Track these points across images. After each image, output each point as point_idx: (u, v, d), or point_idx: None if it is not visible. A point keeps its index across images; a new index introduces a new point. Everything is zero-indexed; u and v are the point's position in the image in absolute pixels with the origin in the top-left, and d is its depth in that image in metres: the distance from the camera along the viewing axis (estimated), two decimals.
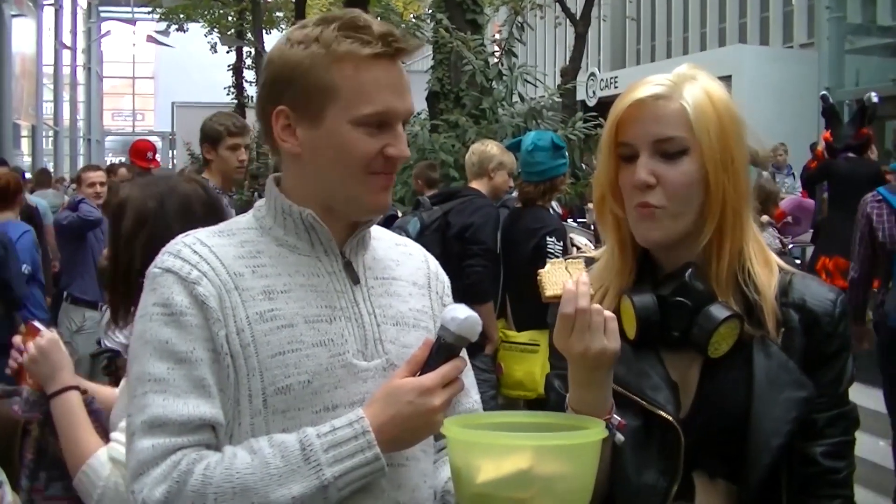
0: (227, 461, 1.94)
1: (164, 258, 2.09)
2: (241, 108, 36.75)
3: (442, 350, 2.03)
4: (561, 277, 2.04)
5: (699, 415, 2.13)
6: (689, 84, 2.13)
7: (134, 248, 2.91)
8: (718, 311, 2.07)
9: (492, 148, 7.26)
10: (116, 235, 3.00)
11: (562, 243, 6.54)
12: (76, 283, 8.95)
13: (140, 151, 10.94)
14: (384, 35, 2.07)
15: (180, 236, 2.15)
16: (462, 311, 2.02)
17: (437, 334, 2.06)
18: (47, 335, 2.95)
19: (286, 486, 1.92)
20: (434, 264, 2.43)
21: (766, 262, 2.19)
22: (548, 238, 6.50)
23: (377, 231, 2.32)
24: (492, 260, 6.74)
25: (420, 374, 2.03)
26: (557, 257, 6.43)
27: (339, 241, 2.18)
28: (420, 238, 6.62)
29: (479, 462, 1.82)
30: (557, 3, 27.28)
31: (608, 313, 2.00)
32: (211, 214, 2.93)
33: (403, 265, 2.33)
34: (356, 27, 2.07)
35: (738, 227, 2.14)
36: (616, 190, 2.19)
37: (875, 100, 10.46)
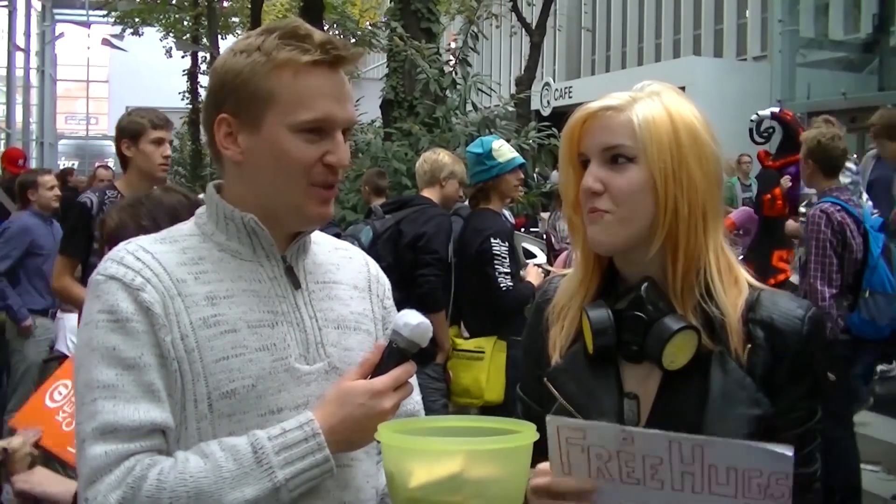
0: (180, 466, 1.94)
1: (108, 265, 2.09)
2: (195, 112, 36.63)
3: (393, 354, 2.08)
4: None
5: (655, 427, 2.08)
6: (647, 99, 2.17)
7: None
8: (672, 323, 2.08)
9: (443, 157, 7.25)
10: None
11: (507, 244, 6.50)
12: (25, 291, 8.86)
13: (12, 158, 12.36)
14: (324, 43, 2.10)
15: (122, 243, 2.16)
16: (414, 318, 2.06)
17: (388, 339, 2.11)
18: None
19: (239, 489, 1.94)
20: (374, 267, 2.47)
21: (734, 279, 2.19)
22: (492, 239, 6.45)
23: (317, 236, 2.34)
24: (444, 269, 6.75)
25: (371, 378, 2.07)
26: (503, 258, 6.26)
27: (281, 246, 2.20)
28: (372, 247, 6.61)
29: (412, 467, 1.83)
30: (513, 13, 27.38)
31: None
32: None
33: (344, 269, 2.36)
34: (297, 36, 2.10)
35: (693, 240, 2.14)
36: (577, 200, 2.22)
37: (767, 113, 10.68)
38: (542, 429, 1.90)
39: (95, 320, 2.03)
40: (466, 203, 7.42)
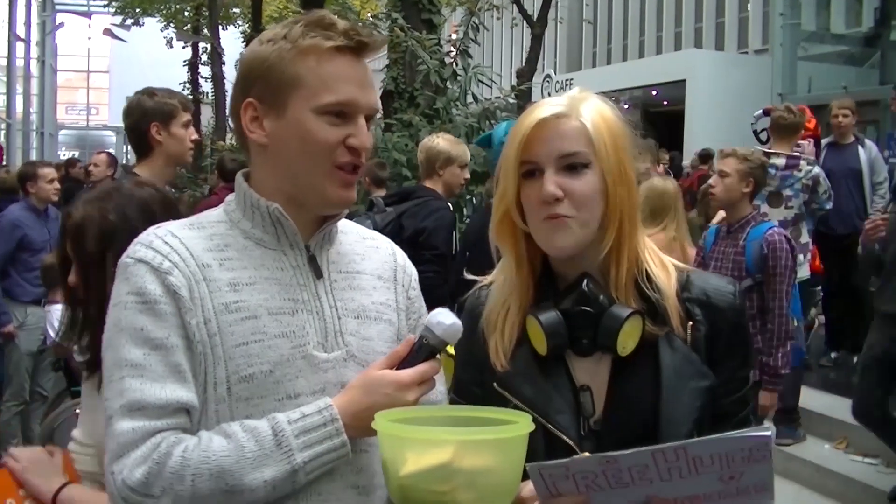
0: (203, 444, 2.02)
1: (137, 248, 2.16)
2: (196, 103, 36.59)
3: (423, 350, 2.14)
4: None
5: (614, 415, 2.22)
6: (584, 103, 2.25)
7: (105, 269, 2.73)
8: (621, 311, 2.18)
9: (438, 143, 7.08)
10: (84, 260, 2.84)
11: None
12: (16, 284, 8.84)
13: None
14: (347, 30, 2.17)
15: (152, 228, 2.23)
16: (448, 317, 2.13)
17: (420, 334, 2.17)
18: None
19: (259, 470, 2.02)
20: (401, 257, 2.52)
21: (661, 263, 2.31)
22: None
23: (344, 225, 2.39)
24: (444, 265, 6.66)
25: (397, 369, 2.13)
26: None
27: (306, 235, 2.26)
28: None
29: (405, 455, 1.86)
30: (514, 5, 27.33)
31: None
32: (170, 214, 2.86)
33: (369, 259, 2.41)
34: (322, 24, 2.17)
35: (634, 236, 2.25)
36: (519, 206, 2.27)
37: (759, 113, 10.70)
38: None
39: (124, 301, 2.10)
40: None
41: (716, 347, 2.26)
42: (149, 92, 5.25)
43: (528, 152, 2.23)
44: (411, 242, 6.57)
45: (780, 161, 7.92)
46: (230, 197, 2.32)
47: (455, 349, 2.41)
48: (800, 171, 7.90)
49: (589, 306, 2.20)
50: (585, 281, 2.23)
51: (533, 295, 2.31)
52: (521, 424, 1.90)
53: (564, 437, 2.17)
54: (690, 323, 2.25)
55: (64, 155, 41.37)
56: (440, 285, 6.61)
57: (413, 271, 2.53)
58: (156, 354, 2.06)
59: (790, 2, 22.31)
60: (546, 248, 2.25)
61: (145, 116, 5.18)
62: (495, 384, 2.27)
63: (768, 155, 7.88)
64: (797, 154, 8.19)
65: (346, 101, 2.16)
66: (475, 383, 2.35)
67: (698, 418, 2.18)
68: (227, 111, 2.30)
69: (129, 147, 5.32)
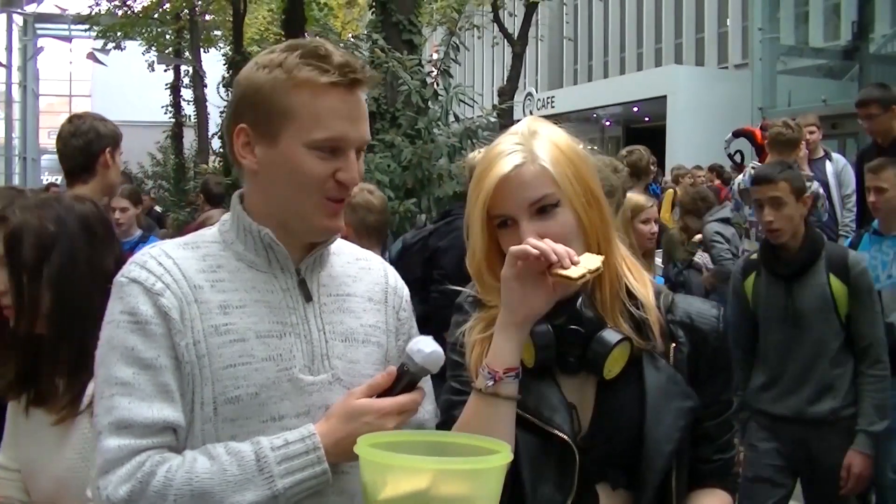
0: (187, 465, 2.05)
1: (132, 268, 2.20)
2: (178, 126, 36.58)
3: (404, 378, 2.18)
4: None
5: (599, 432, 2.25)
6: (536, 141, 2.27)
7: (40, 281, 2.67)
8: (611, 336, 2.21)
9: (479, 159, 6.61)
10: (17, 269, 2.71)
11: None
12: None
13: None
14: (343, 65, 2.19)
15: (147, 247, 2.27)
16: (428, 345, 2.16)
17: (401, 362, 2.20)
18: None
19: (240, 493, 2.05)
20: (393, 278, 2.55)
21: (639, 276, 2.35)
22: None
23: (338, 245, 2.43)
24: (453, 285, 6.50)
25: (379, 397, 2.17)
26: None
27: (297, 258, 2.31)
28: (400, 260, 6.46)
29: (384, 480, 1.88)
30: (495, 24, 27.41)
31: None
32: (109, 233, 2.87)
33: (360, 281, 2.45)
34: (318, 56, 2.19)
35: (610, 252, 2.28)
36: (492, 258, 2.31)
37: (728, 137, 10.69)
38: None
39: (117, 320, 2.15)
40: None
41: (698, 370, 2.31)
42: (99, 117, 5.17)
43: (497, 207, 2.28)
44: (427, 262, 6.51)
45: None
46: (226, 217, 2.35)
47: (447, 338, 2.45)
48: None
49: (580, 325, 2.24)
50: (580, 300, 2.26)
51: None
52: (499, 455, 1.91)
53: (559, 433, 2.20)
54: (673, 344, 2.29)
55: (47, 180, 41.19)
56: (447, 306, 6.52)
57: (405, 292, 2.55)
58: (145, 374, 2.09)
59: (769, 16, 22.44)
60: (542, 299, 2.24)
61: (100, 139, 5.09)
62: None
63: None
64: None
65: (337, 136, 2.18)
66: (462, 394, 2.36)
67: (681, 438, 2.22)
68: (221, 132, 2.32)
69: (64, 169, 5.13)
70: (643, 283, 2.34)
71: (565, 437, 2.20)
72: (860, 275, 5.16)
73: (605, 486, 2.25)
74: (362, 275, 2.46)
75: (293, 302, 2.27)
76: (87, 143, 5.02)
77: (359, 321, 2.38)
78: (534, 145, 2.26)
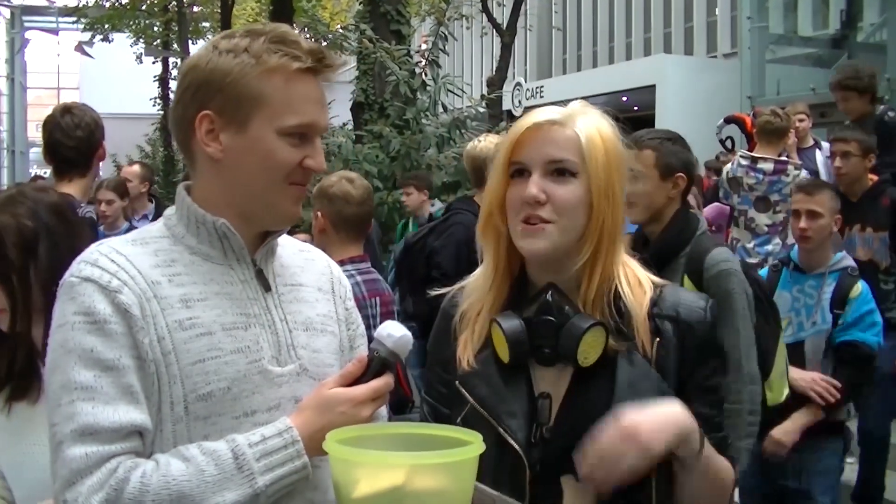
0: (162, 468, 1.97)
1: (82, 267, 2.10)
2: (167, 119, 36.46)
3: (375, 364, 2.15)
4: None
5: (565, 422, 2.24)
6: (582, 116, 2.28)
7: (29, 281, 2.64)
8: (582, 321, 2.20)
9: (481, 148, 6.30)
10: (4, 272, 2.66)
11: None
12: None
13: None
14: (313, 51, 2.18)
15: (94, 245, 2.18)
16: (398, 329, 2.15)
17: (370, 347, 2.17)
18: None
19: (220, 494, 1.98)
20: (336, 269, 2.53)
21: (638, 283, 2.32)
22: None
23: (281, 238, 2.37)
24: (446, 284, 6.42)
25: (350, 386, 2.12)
26: None
27: (251, 249, 2.24)
28: (404, 259, 6.37)
29: (356, 477, 1.85)
30: (483, 14, 27.38)
31: None
32: (78, 218, 2.81)
33: (308, 271, 2.41)
34: (286, 41, 2.15)
35: (611, 253, 2.28)
36: (503, 206, 2.31)
37: (721, 123, 10.70)
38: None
39: (71, 322, 2.04)
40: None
41: (685, 361, 2.29)
42: (88, 107, 5.07)
43: (519, 154, 2.28)
44: (426, 261, 6.50)
45: (768, 166, 7.83)
46: (170, 211, 2.28)
47: (428, 349, 2.47)
48: (787, 175, 7.86)
49: (552, 316, 2.23)
50: (550, 291, 2.25)
51: (506, 298, 2.34)
52: (472, 446, 1.89)
53: (511, 441, 2.20)
54: (658, 339, 2.26)
55: (35, 172, 41.05)
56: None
57: (347, 283, 2.54)
58: (107, 376, 2.00)
59: (758, 5, 22.39)
60: (521, 250, 2.28)
61: (97, 130, 5.03)
62: (457, 381, 2.30)
63: (755, 160, 7.89)
64: (784, 159, 8.17)
65: (308, 123, 2.17)
66: (442, 383, 2.39)
67: None
68: (171, 118, 2.25)
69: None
70: (641, 289, 2.31)
71: (516, 445, 2.21)
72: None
73: (570, 478, 2.22)
74: (308, 265, 2.44)
75: (253, 293, 2.23)
76: (89, 135, 4.97)
77: (314, 310, 2.35)
78: (577, 117, 2.28)
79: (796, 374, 4.93)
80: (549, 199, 2.22)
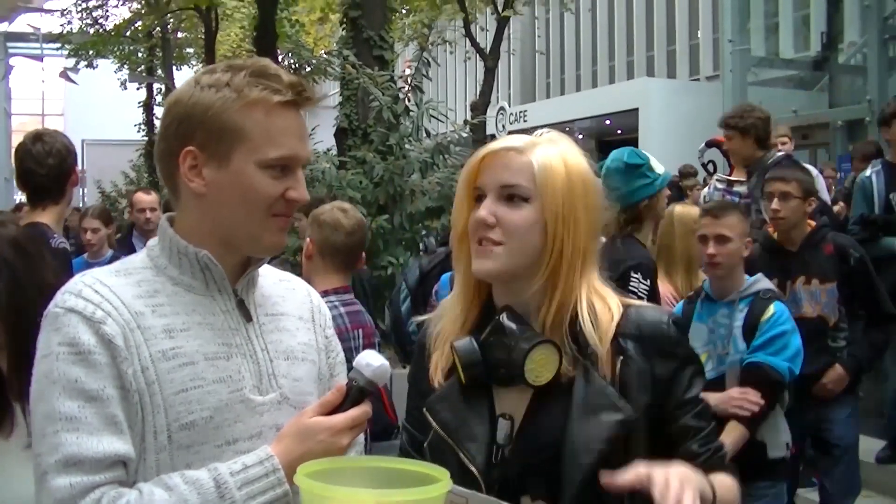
0: (146, 498, 1.99)
1: (66, 297, 2.12)
2: (152, 144, 36.35)
3: (353, 393, 2.18)
4: None
5: (522, 444, 2.27)
6: (545, 145, 2.32)
7: None
8: (527, 340, 2.22)
9: None
10: None
11: (648, 282, 4.86)
12: None
13: None
14: (293, 84, 2.20)
15: (78, 276, 2.19)
16: (376, 359, 2.18)
17: (349, 376, 2.19)
18: None
19: None
20: (316, 298, 2.55)
21: (606, 308, 2.32)
22: (632, 273, 4.79)
23: (262, 268, 2.39)
24: None
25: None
26: (641, 297, 4.41)
27: (232, 279, 2.26)
28: (419, 286, 6.34)
29: None
30: (467, 38, 27.44)
31: None
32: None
33: (289, 300, 2.43)
34: (266, 75, 2.18)
35: (571, 279, 2.29)
36: (467, 230, 2.35)
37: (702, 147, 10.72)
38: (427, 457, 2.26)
39: (56, 352, 2.06)
40: None
41: (655, 377, 2.30)
42: (59, 133, 5.04)
43: (478, 179, 2.32)
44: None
45: (744, 189, 7.80)
46: (153, 242, 2.30)
47: (408, 379, 2.51)
48: None
49: (504, 337, 2.26)
50: (504, 313, 2.29)
51: (474, 321, 2.39)
52: (439, 484, 1.88)
53: (469, 465, 2.23)
54: (621, 357, 2.28)
55: (19, 200, 40.96)
56: None
57: (327, 311, 2.56)
58: (91, 406, 2.02)
59: (739, 28, 22.48)
60: (473, 270, 2.32)
61: (69, 156, 4.99)
62: (424, 408, 2.35)
63: (731, 183, 7.89)
64: None
65: (289, 155, 2.19)
66: (417, 408, 2.42)
67: (606, 450, 2.18)
68: (156, 153, 2.27)
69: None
70: (609, 314, 2.31)
71: (473, 469, 2.24)
72: None
73: (527, 498, 2.26)
74: (289, 294, 2.46)
75: (234, 323, 2.25)
76: (60, 161, 4.94)
77: (295, 339, 2.38)
78: (538, 146, 2.32)
79: (711, 398, 4.31)
80: (498, 223, 2.27)
